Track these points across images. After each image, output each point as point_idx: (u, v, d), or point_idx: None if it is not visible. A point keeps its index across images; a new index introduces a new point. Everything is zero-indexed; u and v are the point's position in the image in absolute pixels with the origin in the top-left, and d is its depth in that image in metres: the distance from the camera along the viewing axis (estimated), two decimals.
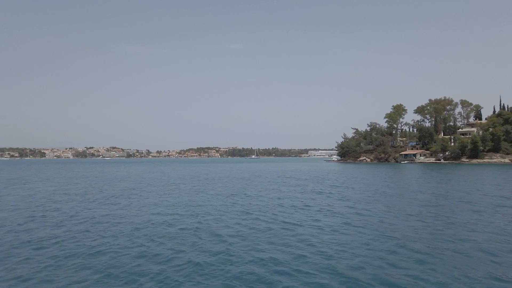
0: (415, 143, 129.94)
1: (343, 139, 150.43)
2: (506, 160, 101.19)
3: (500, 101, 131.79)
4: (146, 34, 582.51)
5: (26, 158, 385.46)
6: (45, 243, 13.64)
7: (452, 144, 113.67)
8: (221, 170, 78.53)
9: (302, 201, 24.58)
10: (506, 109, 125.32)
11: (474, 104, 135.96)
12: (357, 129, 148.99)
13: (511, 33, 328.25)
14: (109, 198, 27.44)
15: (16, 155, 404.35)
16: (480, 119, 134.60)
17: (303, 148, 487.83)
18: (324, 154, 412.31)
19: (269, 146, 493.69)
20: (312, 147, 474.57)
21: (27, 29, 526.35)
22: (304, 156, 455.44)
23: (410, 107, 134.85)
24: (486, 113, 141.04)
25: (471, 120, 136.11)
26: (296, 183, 40.71)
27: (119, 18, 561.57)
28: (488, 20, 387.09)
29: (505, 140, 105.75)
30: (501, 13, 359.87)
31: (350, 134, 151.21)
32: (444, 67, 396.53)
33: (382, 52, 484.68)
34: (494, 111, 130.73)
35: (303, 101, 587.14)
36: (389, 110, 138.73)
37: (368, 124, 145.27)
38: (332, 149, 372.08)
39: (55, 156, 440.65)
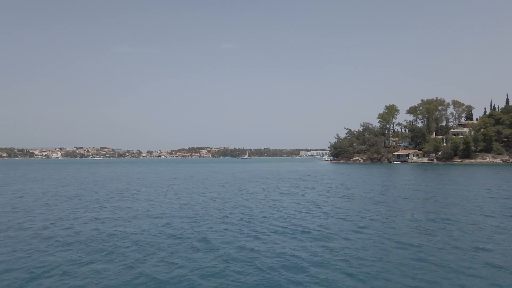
0: (407, 143, 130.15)
1: (336, 139, 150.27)
2: (498, 160, 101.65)
3: (491, 101, 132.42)
4: (145, 34, 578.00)
5: (14, 158, 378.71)
6: (17, 254, 12.31)
7: (445, 144, 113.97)
8: (216, 171, 77.17)
9: (305, 205, 23.31)
10: (497, 109, 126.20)
11: (465, 105, 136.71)
12: (350, 129, 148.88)
13: (511, 33, 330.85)
14: (98, 202, 26.04)
15: (4, 155, 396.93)
16: (471, 119, 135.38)
17: (295, 148, 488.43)
18: (315, 154, 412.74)
19: (261, 146, 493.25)
20: (304, 147, 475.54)
21: (27, 29, 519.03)
22: (296, 156, 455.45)
23: (408, 107, 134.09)
24: (476, 113, 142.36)
25: (463, 120, 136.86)
26: (296, 184, 39.57)
27: (119, 18, 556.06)
28: (488, 20, 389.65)
29: (496, 140, 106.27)
30: (501, 13, 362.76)
31: (343, 134, 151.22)
32: (444, 67, 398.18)
33: (382, 52, 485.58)
34: (485, 112, 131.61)
35: (300, 101, 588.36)
36: (383, 110, 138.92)
37: (361, 124, 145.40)
38: (323, 149, 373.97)
39: (44, 156, 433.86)
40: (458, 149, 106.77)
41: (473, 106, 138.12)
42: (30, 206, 23.60)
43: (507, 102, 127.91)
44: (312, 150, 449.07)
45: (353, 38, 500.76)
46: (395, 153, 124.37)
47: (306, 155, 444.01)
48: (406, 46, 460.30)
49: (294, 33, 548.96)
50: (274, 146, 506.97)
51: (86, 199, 27.29)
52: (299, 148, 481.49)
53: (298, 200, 25.75)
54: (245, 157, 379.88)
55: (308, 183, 40.93)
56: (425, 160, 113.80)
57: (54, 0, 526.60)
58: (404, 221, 17.52)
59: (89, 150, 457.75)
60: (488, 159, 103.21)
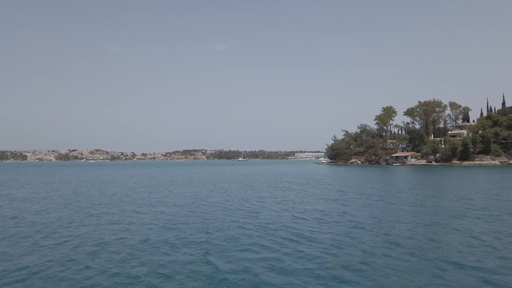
0: (405, 145, 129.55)
1: (333, 141, 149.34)
2: (496, 162, 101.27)
3: (487, 103, 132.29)
4: (144, 35, 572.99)
5: (6, 161, 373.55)
6: None
7: (443, 146, 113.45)
8: (214, 174, 75.50)
9: (320, 212, 21.89)
10: (493, 111, 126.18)
11: (462, 106, 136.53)
12: (347, 131, 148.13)
13: (509, 33, 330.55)
14: (94, 209, 24.43)
15: None
16: (468, 121, 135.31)
17: (290, 150, 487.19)
18: (310, 157, 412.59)
19: (255, 148, 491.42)
20: (298, 150, 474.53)
21: (26, 29, 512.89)
22: (291, 158, 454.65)
23: (408, 107, 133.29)
24: (473, 115, 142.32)
25: (459, 122, 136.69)
26: (300, 189, 37.90)
27: (118, 18, 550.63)
28: (488, 20, 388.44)
29: (494, 142, 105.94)
30: (501, 13, 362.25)
31: (340, 136, 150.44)
32: (443, 67, 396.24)
33: (382, 52, 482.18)
34: (481, 114, 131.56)
35: (297, 102, 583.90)
36: (380, 112, 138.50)
37: (358, 126, 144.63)
38: (318, 151, 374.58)
39: (37, 159, 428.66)
40: (457, 151, 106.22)
41: (470, 107, 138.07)
42: (21, 213, 21.98)
43: (503, 103, 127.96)
44: (307, 152, 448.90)
45: (353, 38, 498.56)
46: (393, 155, 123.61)
47: (301, 157, 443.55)
48: (406, 46, 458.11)
49: (294, 33, 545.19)
50: (269, 148, 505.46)
51: (80, 206, 25.66)
52: (294, 150, 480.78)
53: (315, 208, 24.35)
54: (240, 159, 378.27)
55: (314, 188, 39.55)
56: (423, 162, 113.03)
57: (53, 0, 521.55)
58: (454, 238, 16.19)
59: (83, 152, 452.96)
60: (487, 160, 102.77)
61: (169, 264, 11.30)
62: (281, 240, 14.25)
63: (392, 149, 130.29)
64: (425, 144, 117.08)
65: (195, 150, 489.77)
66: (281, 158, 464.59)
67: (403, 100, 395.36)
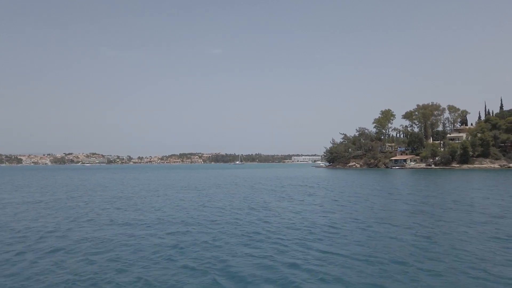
0: (404, 148, 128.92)
1: (331, 144, 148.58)
2: (496, 166, 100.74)
3: (485, 106, 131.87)
4: (140, 38, 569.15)
5: (1, 165, 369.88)
6: None
7: (442, 149, 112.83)
8: (212, 177, 74.13)
9: (329, 219, 20.66)
10: (492, 114, 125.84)
11: (461, 110, 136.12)
12: (345, 134, 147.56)
13: (511, 33, 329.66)
14: (86, 215, 23.11)
15: None
16: (466, 124, 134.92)
17: (286, 154, 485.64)
18: (307, 160, 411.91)
19: (252, 152, 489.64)
20: (295, 153, 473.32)
21: (22, 31, 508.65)
22: (288, 161, 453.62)
23: (408, 108, 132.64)
24: (470, 118, 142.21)
25: (458, 125, 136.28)
26: (305, 192, 36.74)
27: (115, 22, 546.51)
28: (488, 20, 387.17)
29: (493, 145, 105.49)
30: (501, 13, 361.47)
31: (338, 140, 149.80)
32: (443, 67, 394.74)
33: (382, 52, 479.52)
34: (479, 117, 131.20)
35: (293, 105, 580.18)
36: (379, 115, 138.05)
37: (356, 129, 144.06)
38: (315, 155, 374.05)
39: (33, 162, 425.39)
40: (456, 154, 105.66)
41: (468, 110, 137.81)
42: (14, 217, 20.64)
43: (501, 106, 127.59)
44: (304, 155, 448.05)
45: (353, 38, 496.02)
46: (392, 158, 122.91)
47: (298, 161, 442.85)
48: (406, 46, 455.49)
49: (293, 34, 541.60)
50: (265, 151, 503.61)
51: (74, 212, 24.30)
52: (291, 154, 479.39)
53: (327, 213, 23.19)
54: (237, 162, 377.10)
55: (319, 191, 38.40)
56: (423, 165, 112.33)
57: (48, 4, 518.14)
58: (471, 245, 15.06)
59: (79, 156, 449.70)
60: (486, 164, 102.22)
61: (168, 281, 10.09)
62: (296, 253, 12.97)
63: (391, 153, 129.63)
64: (424, 148, 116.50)
65: (191, 154, 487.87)
66: (278, 162, 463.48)
67: (403, 100, 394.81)
